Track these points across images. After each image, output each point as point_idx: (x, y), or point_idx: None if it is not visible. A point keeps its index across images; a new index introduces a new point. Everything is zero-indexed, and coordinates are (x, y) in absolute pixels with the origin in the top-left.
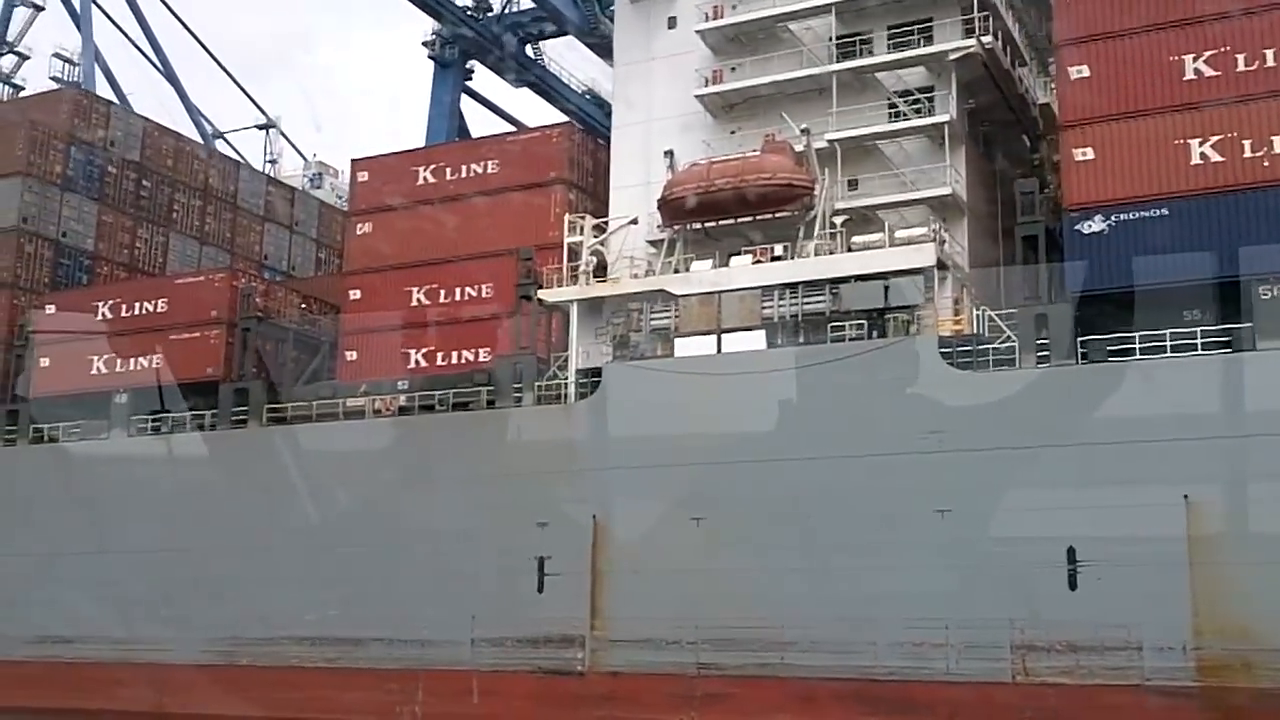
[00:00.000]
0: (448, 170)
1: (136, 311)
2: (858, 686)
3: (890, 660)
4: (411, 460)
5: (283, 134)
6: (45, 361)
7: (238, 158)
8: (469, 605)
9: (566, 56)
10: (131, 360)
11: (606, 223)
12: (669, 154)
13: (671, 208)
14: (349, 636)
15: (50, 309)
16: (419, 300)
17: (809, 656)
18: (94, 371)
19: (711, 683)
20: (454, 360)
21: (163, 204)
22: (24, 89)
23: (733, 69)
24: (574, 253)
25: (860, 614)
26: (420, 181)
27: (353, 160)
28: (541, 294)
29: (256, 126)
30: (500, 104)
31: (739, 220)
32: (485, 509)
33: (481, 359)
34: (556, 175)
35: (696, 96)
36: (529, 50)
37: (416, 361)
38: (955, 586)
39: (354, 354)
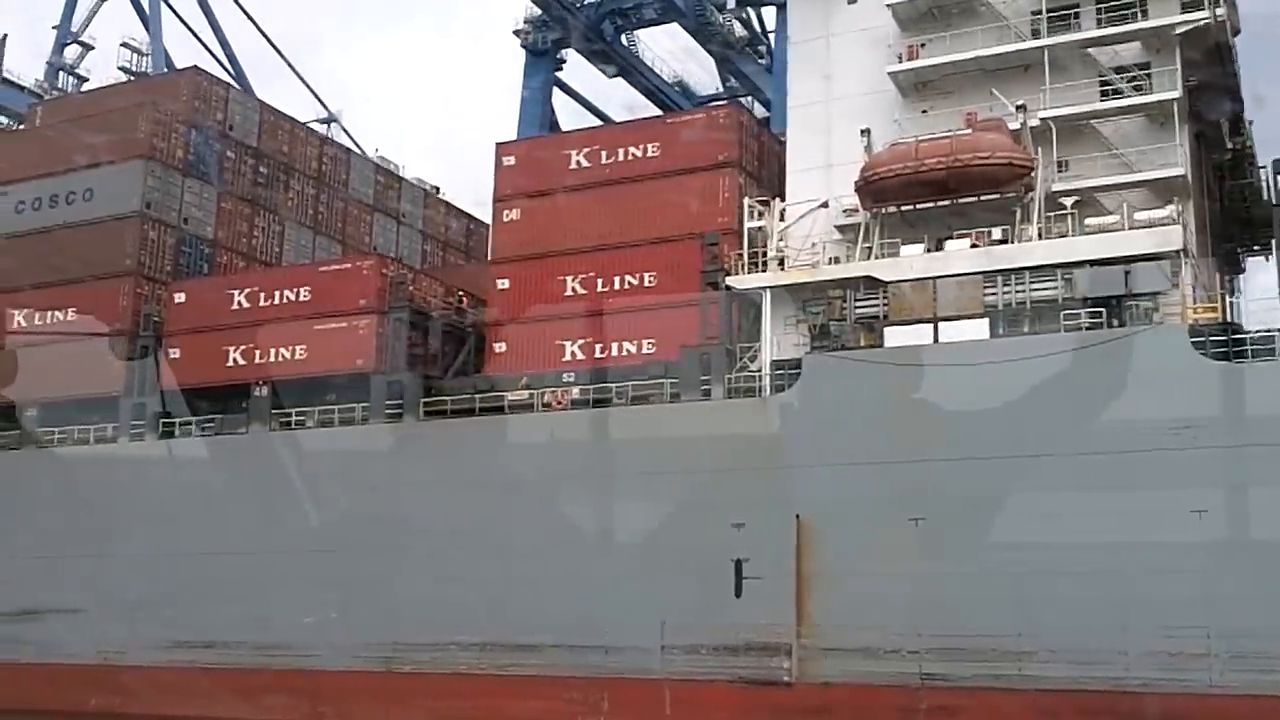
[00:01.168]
0: (603, 154)
1: (276, 300)
2: (1108, 699)
3: (1144, 671)
4: (590, 456)
5: (344, 128)
6: (175, 353)
7: (349, 144)
8: (657, 610)
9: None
10: (272, 351)
11: (784, 208)
12: (865, 133)
13: (875, 189)
14: (523, 642)
15: (180, 297)
16: (574, 290)
17: (1049, 666)
18: (230, 363)
19: (938, 694)
20: (614, 353)
21: (278, 191)
22: (88, 80)
23: (923, 45)
24: (752, 239)
25: (1108, 620)
26: (573, 165)
27: (498, 144)
28: (730, 281)
29: (318, 121)
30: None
31: (958, 201)
32: (673, 508)
33: (644, 350)
34: (726, 158)
35: (890, 74)
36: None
37: (573, 354)
38: (1216, 591)
39: (503, 346)
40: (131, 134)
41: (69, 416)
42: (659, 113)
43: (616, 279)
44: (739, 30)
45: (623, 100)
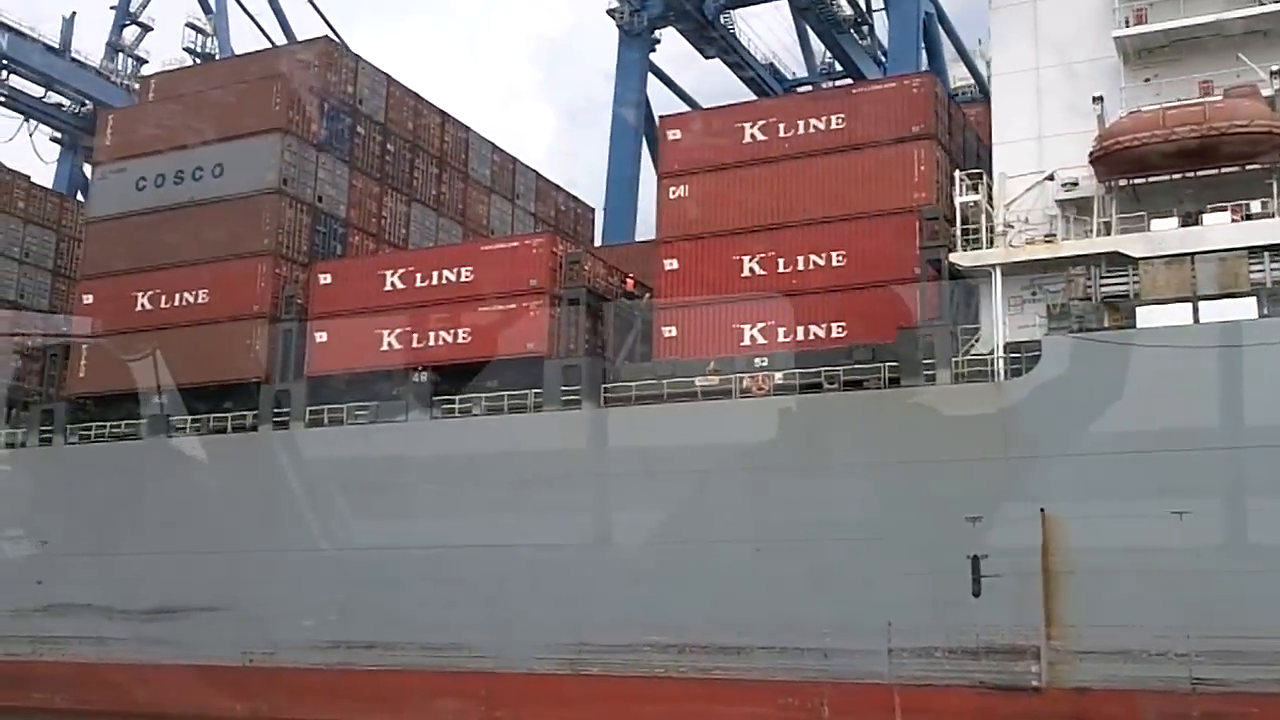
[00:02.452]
0: (781, 126)
1: (435, 281)
2: None
3: None
4: (800, 445)
5: None
6: (322, 337)
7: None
8: (882, 610)
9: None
10: (432, 335)
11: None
12: (1098, 100)
13: (1114, 160)
14: (729, 644)
15: (325, 279)
16: (752, 270)
17: None
18: (384, 347)
19: (1212, 700)
20: (800, 337)
21: (404, 170)
22: (147, 62)
23: (1146, 8)
24: (964, 215)
25: None
26: (747, 139)
27: (662, 118)
28: (954, 258)
29: None
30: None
31: (1217, 172)
32: (898, 501)
33: (834, 334)
34: (922, 129)
35: (1116, 39)
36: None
37: (752, 338)
38: None
39: (673, 330)
40: (266, 106)
41: (201, 405)
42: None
43: (800, 258)
44: (846, 9)
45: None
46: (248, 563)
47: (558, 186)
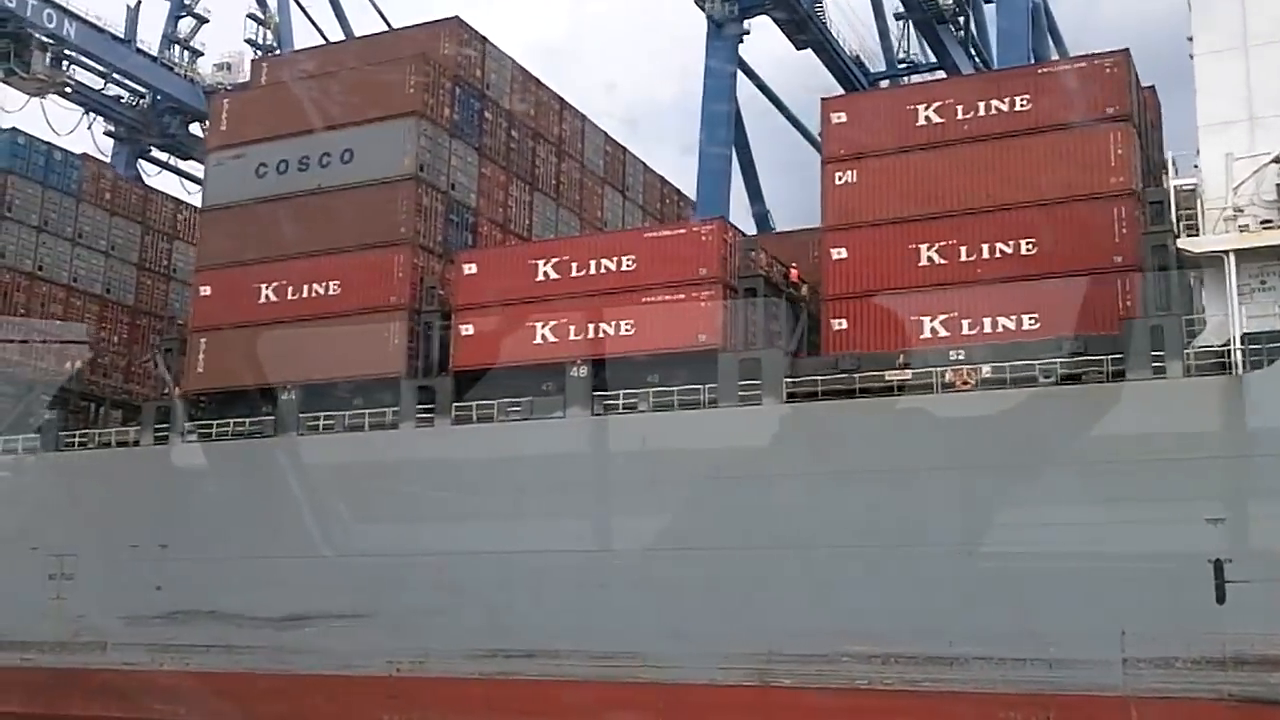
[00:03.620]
0: (958, 109)
1: (592, 271)
2: None
3: None
4: (1017, 443)
5: None
6: (468, 330)
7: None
8: (1115, 617)
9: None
10: (591, 327)
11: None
12: None
13: None
14: (939, 654)
15: (470, 269)
16: (931, 260)
17: None
18: (538, 340)
19: None
20: (986, 329)
21: (527, 158)
22: (203, 55)
23: None
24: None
25: None
26: (921, 122)
27: (823, 100)
28: (1183, 244)
29: None
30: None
31: None
32: (1125, 501)
33: (1025, 327)
34: (1118, 111)
35: None
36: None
37: (933, 331)
38: None
39: (843, 322)
40: (400, 89)
41: (334, 401)
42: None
43: (985, 247)
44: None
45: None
46: (393, 567)
47: (662, 178)
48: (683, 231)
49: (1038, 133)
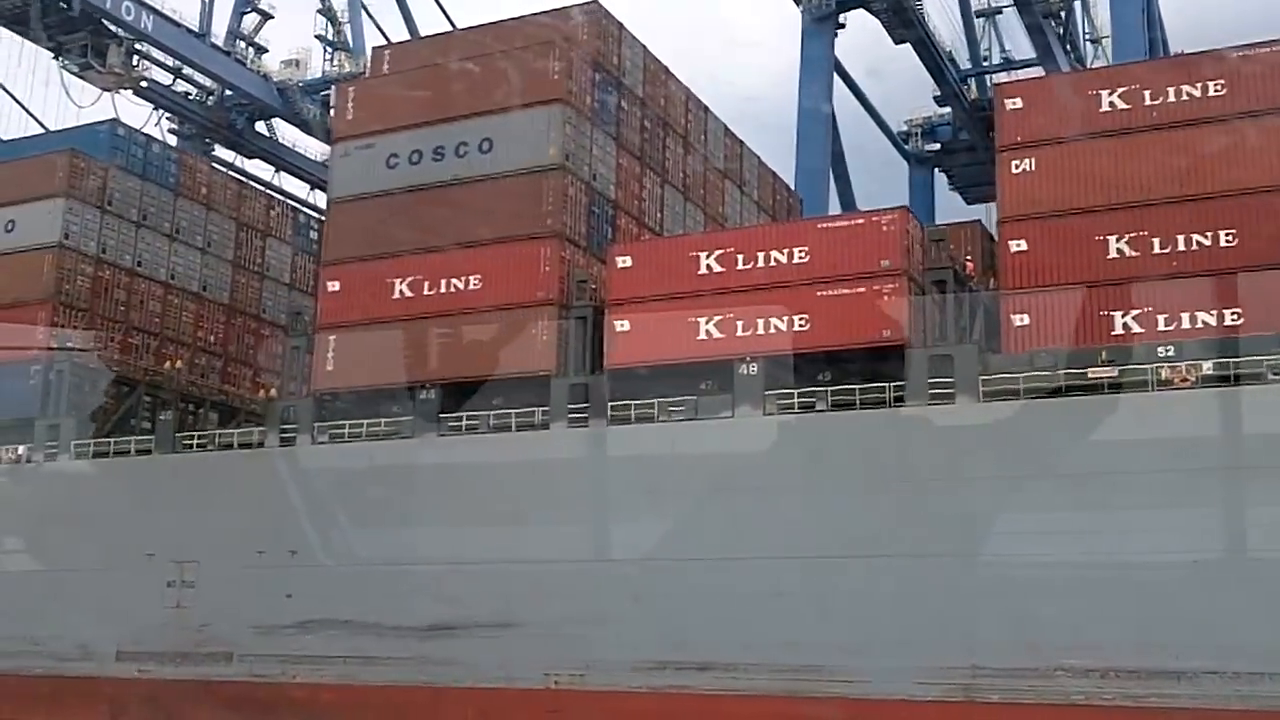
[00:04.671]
0: (1146, 94)
1: (760, 263)
2: None
3: None
4: (1254, 444)
5: None
6: (623, 326)
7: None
8: None
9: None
10: (761, 322)
11: None
12: None
13: None
14: (1163, 668)
15: (625, 261)
16: (1119, 252)
17: None
18: (701, 336)
19: None
20: (1187, 325)
21: (658, 150)
22: (267, 50)
23: None
24: None
25: None
26: (1105, 108)
27: (997, 85)
28: None
29: None
30: None
31: None
32: None
33: (1228, 322)
34: None
35: None
36: None
37: (1126, 326)
38: None
39: (1024, 318)
40: (544, 75)
41: (472, 401)
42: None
43: (1180, 239)
44: None
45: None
46: (549, 574)
47: (774, 174)
48: (861, 221)
49: (1234, 118)
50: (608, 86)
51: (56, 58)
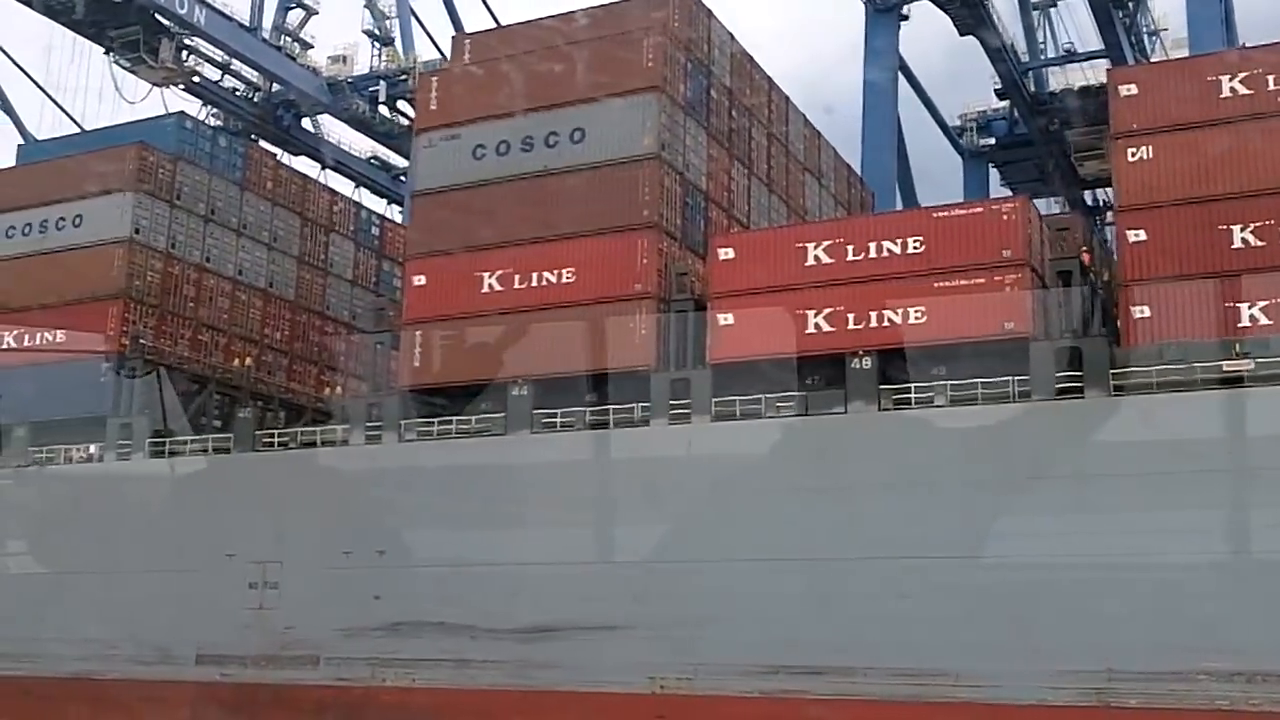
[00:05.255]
0: (1270, 79)
1: (872, 254)
2: None
3: None
4: None
5: None
6: (727, 319)
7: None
8: None
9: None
10: (874, 315)
11: None
12: None
13: None
14: None
15: (727, 254)
16: (1245, 242)
17: None
18: (810, 330)
19: None
20: None
21: (744, 140)
22: (312, 46)
23: None
24: None
25: None
26: (1225, 93)
27: (1109, 70)
28: None
29: None
30: None
31: None
32: None
33: None
34: None
35: None
36: None
37: (1253, 318)
38: None
39: (1145, 310)
40: (638, 63)
41: (562, 397)
42: None
43: None
44: None
45: None
46: (654, 574)
47: (849, 166)
48: (979, 210)
49: None
50: (698, 75)
51: (107, 53)
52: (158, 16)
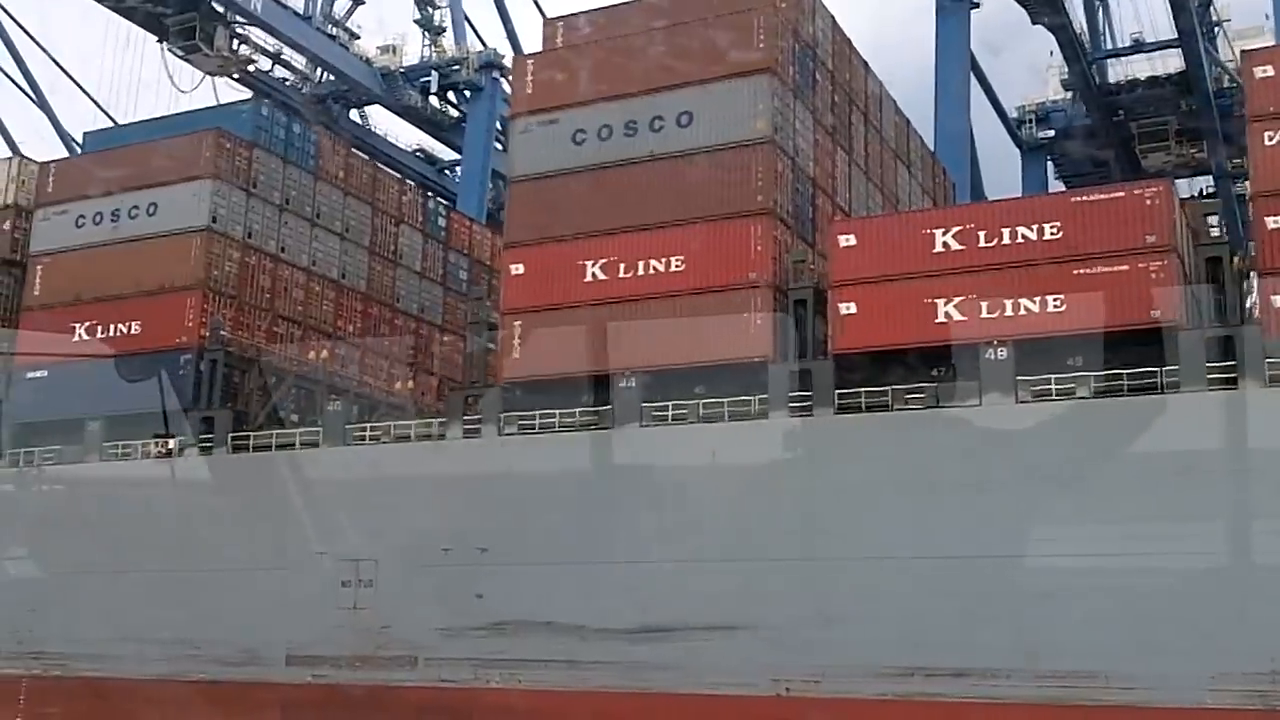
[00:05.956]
0: None
1: (1006, 240)
2: None
3: None
4: None
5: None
6: (849, 308)
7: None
8: None
9: None
10: (1008, 304)
11: None
12: None
13: None
14: None
15: (848, 240)
16: None
17: None
18: (939, 319)
19: None
20: None
21: (844, 127)
22: (359, 36)
23: None
24: None
25: None
26: None
27: (1245, 51)
28: None
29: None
30: None
31: None
32: None
33: None
34: None
35: None
36: None
37: None
38: None
39: None
40: (749, 45)
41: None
42: None
43: None
44: None
45: None
46: (781, 573)
47: (934, 154)
48: (1121, 195)
49: None
50: (805, 57)
51: (160, 41)
52: (214, 4)
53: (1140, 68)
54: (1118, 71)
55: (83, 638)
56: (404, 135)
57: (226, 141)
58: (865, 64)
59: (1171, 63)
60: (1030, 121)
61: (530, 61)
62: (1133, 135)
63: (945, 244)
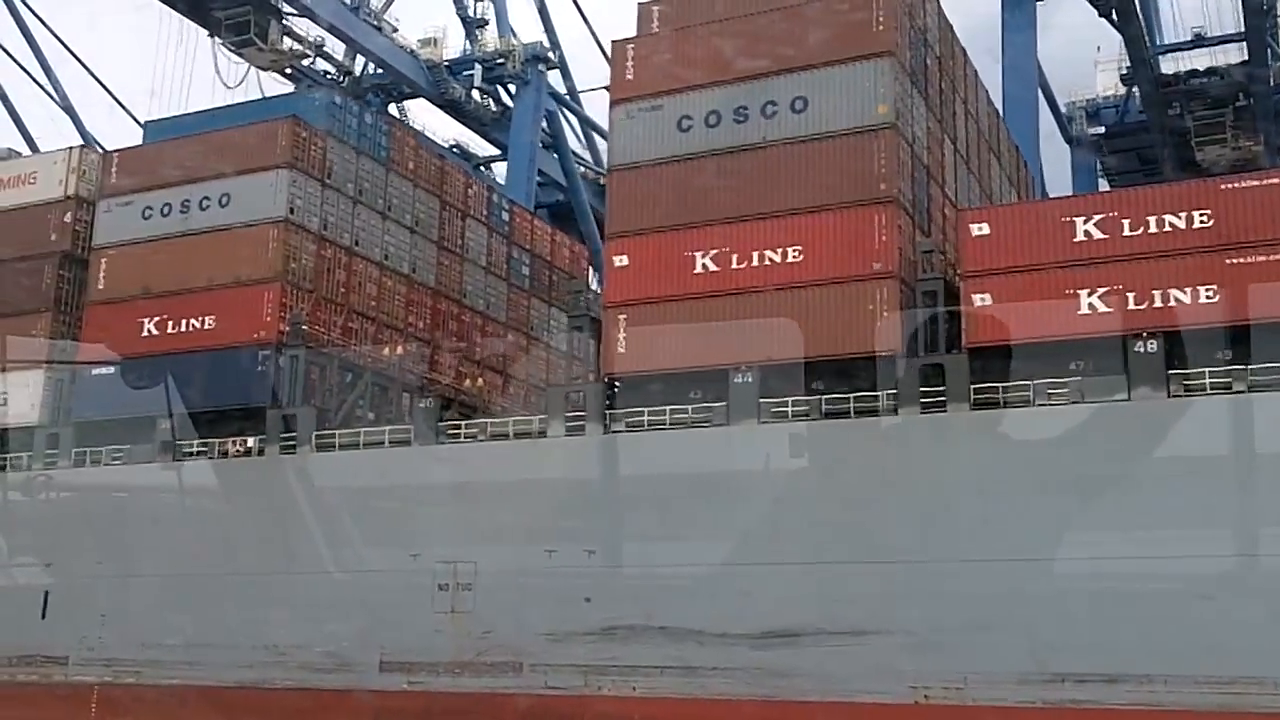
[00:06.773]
0: None
1: (1152, 228)
2: None
3: None
4: None
5: None
6: (984, 299)
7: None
8: None
9: None
10: (1158, 294)
11: None
12: None
13: None
14: None
15: (982, 229)
16: None
17: None
18: (1083, 310)
19: None
20: None
21: (949, 116)
22: (397, 30)
23: None
24: None
25: None
26: None
27: None
28: None
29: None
30: None
31: None
32: None
33: None
34: None
35: None
36: None
37: None
38: None
39: None
40: (867, 28)
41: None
42: None
43: None
44: None
45: None
46: (918, 575)
47: (1017, 147)
48: (1276, 181)
49: None
50: (919, 44)
51: (211, 35)
52: None
53: (1198, 62)
54: (1170, 68)
55: (158, 644)
56: (444, 130)
57: (302, 130)
58: (964, 51)
59: (1224, 60)
60: (1080, 117)
61: (630, 46)
62: (1188, 129)
63: (1087, 233)
